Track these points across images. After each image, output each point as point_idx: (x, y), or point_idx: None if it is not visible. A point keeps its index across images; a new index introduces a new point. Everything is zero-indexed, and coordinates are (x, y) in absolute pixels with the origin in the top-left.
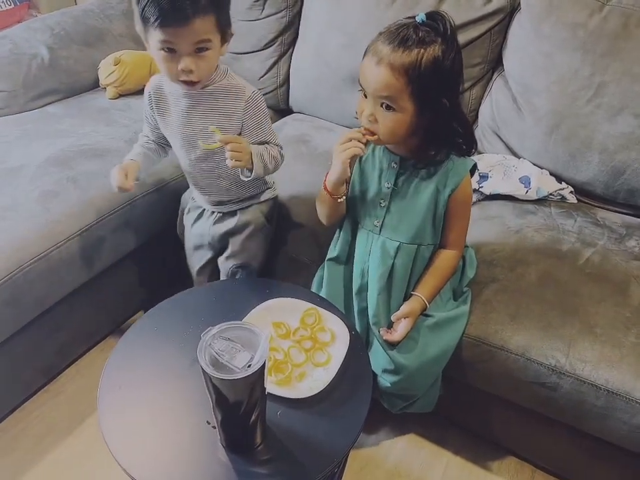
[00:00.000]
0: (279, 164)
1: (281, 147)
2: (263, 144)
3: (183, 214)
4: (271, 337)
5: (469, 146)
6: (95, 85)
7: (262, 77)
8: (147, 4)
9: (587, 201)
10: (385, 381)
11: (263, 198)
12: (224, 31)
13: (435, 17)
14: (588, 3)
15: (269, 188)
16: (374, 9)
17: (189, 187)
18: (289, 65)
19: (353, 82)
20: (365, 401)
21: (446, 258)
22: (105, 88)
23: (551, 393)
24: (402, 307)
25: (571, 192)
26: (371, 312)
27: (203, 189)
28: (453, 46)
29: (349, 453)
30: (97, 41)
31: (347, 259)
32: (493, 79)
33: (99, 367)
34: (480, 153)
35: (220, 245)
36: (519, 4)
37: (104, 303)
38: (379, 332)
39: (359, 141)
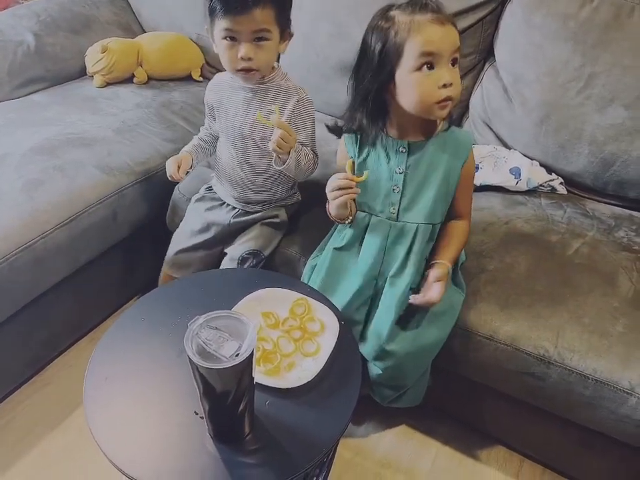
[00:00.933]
0: (310, 169)
1: (317, 156)
2: (308, 146)
3: (175, 204)
4: (260, 326)
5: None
6: (82, 73)
7: None
8: None
9: (576, 192)
10: (376, 368)
11: (288, 202)
12: (283, 27)
13: None
14: None
15: (295, 193)
16: None
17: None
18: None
19: (342, 71)
20: (354, 391)
21: (460, 226)
22: (92, 76)
23: (540, 382)
24: (430, 273)
25: (561, 183)
26: (388, 298)
27: (237, 186)
28: None
29: (338, 443)
30: (84, 28)
31: (354, 247)
32: (485, 69)
33: (87, 358)
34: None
35: (225, 239)
36: None
37: (92, 293)
38: (410, 298)
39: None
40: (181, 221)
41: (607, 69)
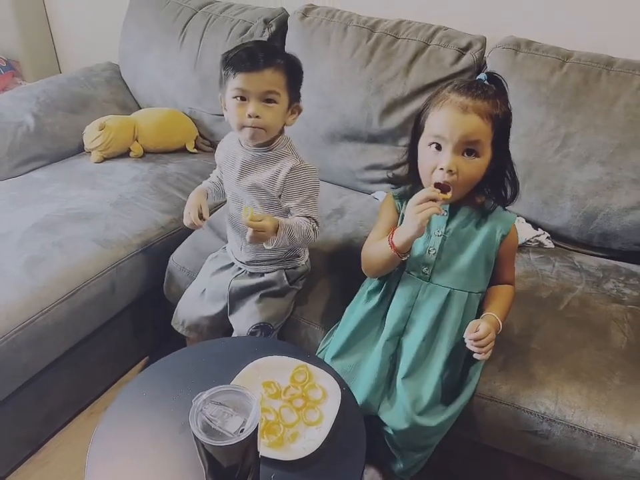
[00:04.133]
0: (310, 239)
1: (317, 223)
2: (301, 216)
3: (171, 274)
4: (262, 397)
5: (514, 193)
6: (79, 150)
7: None
8: (229, 60)
9: (563, 245)
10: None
11: (291, 265)
12: (292, 97)
13: (494, 76)
14: (549, 61)
15: (298, 257)
16: (349, 71)
17: (177, 248)
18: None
19: (331, 139)
20: (360, 459)
21: (504, 288)
22: (90, 152)
23: (543, 440)
24: (480, 325)
25: (548, 237)
26: (406, 360)
27: (239, 240)
28: (508, 102)
29: None
30: (82, 107)
31: (384, 304)
32: None
33: (85, 434)
34: None
35: (232, 301)
36: (485, 63)
37: (91, 366)
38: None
39: (434, 200)
40: (178, 290)
41: (580, 129)
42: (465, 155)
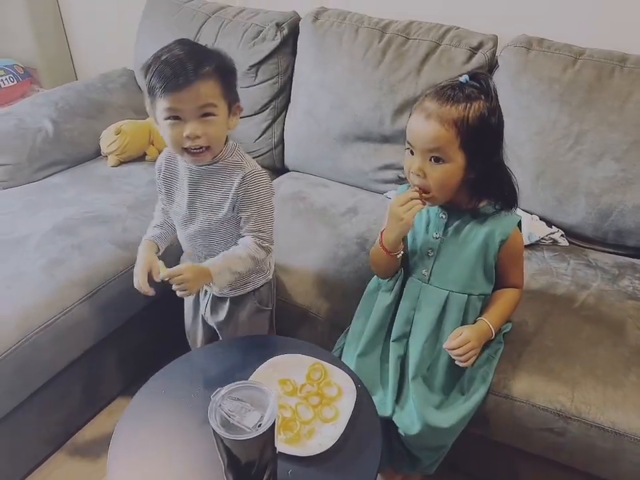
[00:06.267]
0: (257, 260)
1: (265, 240)
2: (247, 232)
3: None
4: (278, 394)
5: (511, 198)
6: (96, 154)
7: (257, 139)
8: (152, 76)
9: (578, 243)
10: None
11: (255, 285)
12: (230, 100)
13: (477, 76)
14: (561, 59)
15: (264, 273)
16: (361, 71)
17: None
18: (283, 127)
19: (344, 140)
20: (376, 455)
21: (507, 292)
22: (107, 156)
23: (560, 438)
24: (462, 334)
25: (562, 235)
26: (413, 362)
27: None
28: (496, 102)
29: None
30: (99, 113)
31: (394, 307)
32: None
33: (106, 432)
34: None
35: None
36: (497, 62)
37: (109, 366)
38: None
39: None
40: None
41: (594, 126)
42: (433, 161)
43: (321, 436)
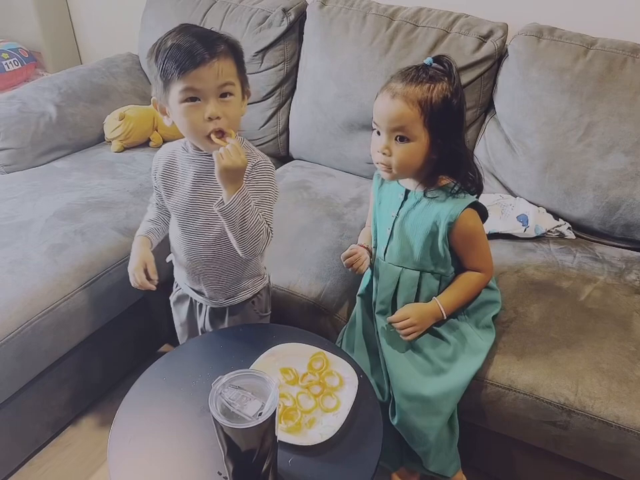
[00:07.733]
0: (261, 236)
1: (271, 228)
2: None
3: None
4: (280, 383)
5: (472, 181)
6: (100, 139)
7: (262, 126)
8: (165, 59)
9: (584, 236)
10: (404, 413)
11: (254, 291)
12: (242, 83)
13: (441, 59)
14: (572, 48)
15: (261, 278)
16: (367, 59)
17: None
18: (288, 115)
19: (349, 129)
20: (376, 446)
21: (469, 275)
22: (110, 142)
23: (562, 431)
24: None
25: (569, 228)
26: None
27: (193, 273)
28: (458, 84)
29: None
30: (103, 98)
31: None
32: (486, 121)
33: (106, 418)
34: None
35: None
36: (507, 51)
37: (111, 352)
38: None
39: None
40: None
41: (604, 118)
42: (398, 140)
43: (321, 426)
